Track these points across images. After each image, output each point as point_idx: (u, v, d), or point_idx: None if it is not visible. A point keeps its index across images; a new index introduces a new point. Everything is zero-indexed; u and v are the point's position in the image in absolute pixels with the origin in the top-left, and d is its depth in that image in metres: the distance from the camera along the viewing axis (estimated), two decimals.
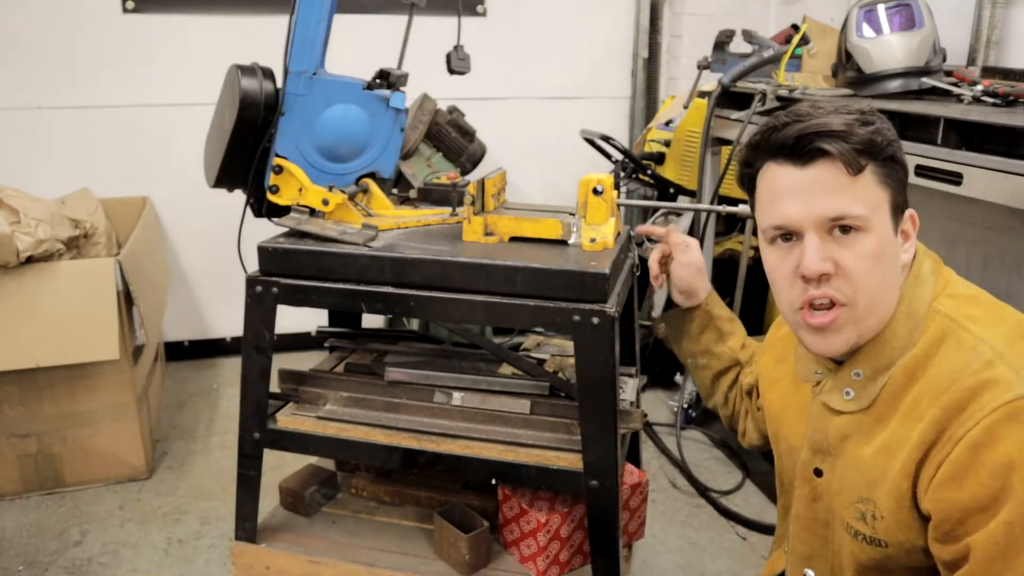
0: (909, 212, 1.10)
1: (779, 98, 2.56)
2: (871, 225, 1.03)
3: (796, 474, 1.24)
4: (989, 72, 2.49)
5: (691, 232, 2.92)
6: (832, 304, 1.06)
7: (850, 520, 1.14)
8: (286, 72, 1.73)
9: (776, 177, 1.07)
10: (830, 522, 1.20)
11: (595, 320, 1.51)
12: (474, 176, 1.90)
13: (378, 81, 1.80)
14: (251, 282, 1.69)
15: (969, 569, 0.98)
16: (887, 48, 2.29)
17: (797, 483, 1.24)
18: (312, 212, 1.77)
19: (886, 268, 1.06)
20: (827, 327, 1.07)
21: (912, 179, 1.97)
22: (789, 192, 1.06)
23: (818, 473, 1.19)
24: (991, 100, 2.08)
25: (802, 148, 1.03)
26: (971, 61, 2.62)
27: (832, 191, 1.03)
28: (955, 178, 1.85)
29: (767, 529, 2.39)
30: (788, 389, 1.30)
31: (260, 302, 1.69)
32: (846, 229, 1.03)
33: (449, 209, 1.87)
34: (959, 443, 0.98)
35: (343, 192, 1.77)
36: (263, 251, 1.68)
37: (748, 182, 1.13)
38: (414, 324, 3.00)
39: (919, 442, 1.02)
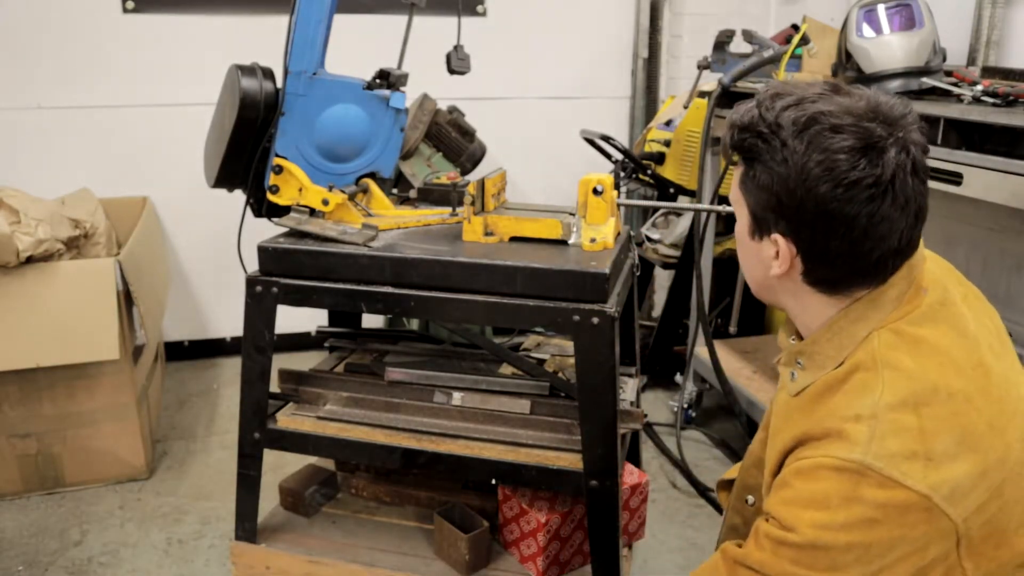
0: (777, 237, 1.05)
1: None
2: (737, 209, 1.13)
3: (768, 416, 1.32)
4: (989, 72, 2.49)
5: (691, 232, 2.92)
6: None
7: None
8: (286, 72, 1.73)
9: None
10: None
11: (595, 320, 1.51)
12: (474, 176, 1.90)
13: (378, 81, 1.80)
14: (251, 282, 1.69)
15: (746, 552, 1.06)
16: (887, 48, 2.28)
17: (762, 424, 1.33)
18: (312, 212, 1.77)
19: (745, 254, 1.15)
20: None
21: None
22: None
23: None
24: (991, 100, 2.08)
25: None
26: (971, 61, 2.61)
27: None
28: (955, 178, 1.85)
29: None
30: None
31: (260, 302, 1.69)
32: None
33: (449, 209, 1.87)
34: (793, 464, 1.03)
35: (343, 192, 1.77)
36: (263, 251, 1.68)
37: None
38: (414, 324, 3.00)
39: (782, 449, 1.08)
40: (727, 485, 1.46)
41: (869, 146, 0.98)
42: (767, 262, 1.10)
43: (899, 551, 0.97)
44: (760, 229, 1.09)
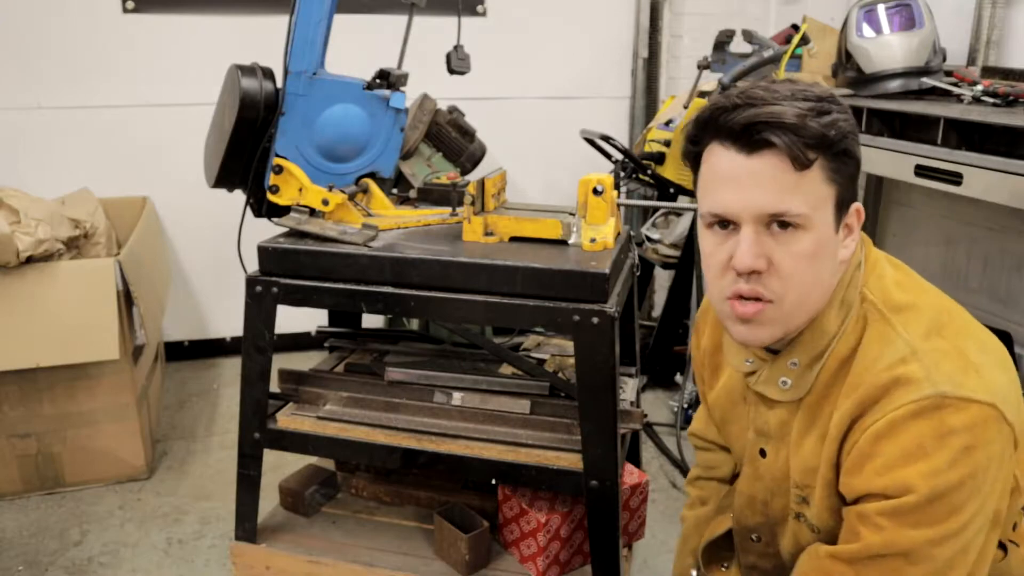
0: (855, 206, 1.06)
1: None
2: (811, 223, 1.01)
3: (744, 454, 1.26)
4: (989, 72, 2.49)
5: (691, 232, 2.92)
6: (759, 298, 1.05)
7: (792, 504, 1.17)
8: (286, 72, 1.74)
9: (720, 161, 1.03)
10: (769, 501, 1.22)
11: (595, 320, 1.51)
12: (474, 176, 1.90)
13: (378, 81, 1.80)
14: (251, 282, 1.69)
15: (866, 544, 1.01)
16: (887, 48, 2.29)
17: (745, 461, 1.26)
18: (312, 212, 1.77)
19: (821, 267, 1.04)
20: (752, 318, 1.05)
21: (912, 179, 1.98)
22: (731, 180, 1.02)
23: (763, 454, 1.21)
24: (991, 100, 2.08)
25: (749, 136, 0.99)
26: (971, 61, 2.61)
27: (775, 185, 0.99)
28: (955, 178, 1.85)
29: None
30: (729, 377, 1.30)
31: (260, 302, 1.69)
32: (784, 225, 1.01)
33: (449, 209, 1.87)
34: (865, 432, 1.01)
35: (343, 192, 1.77)
36: (263, 251, 1.68)
37: (693, 159, 1.10)
38: (414, 324, 3.00)
39: (836, 433, 1.05)
40: (709, 549, 1.38)
41: None
42: (838, 251, 1.06)
43: (992, 471, 0.98)
44: (842, 213, 1.05)
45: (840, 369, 1.07)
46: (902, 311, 1.05)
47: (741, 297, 1.05)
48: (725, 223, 1.04)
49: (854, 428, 1.03)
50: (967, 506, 0.97)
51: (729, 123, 1.01)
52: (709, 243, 1.08)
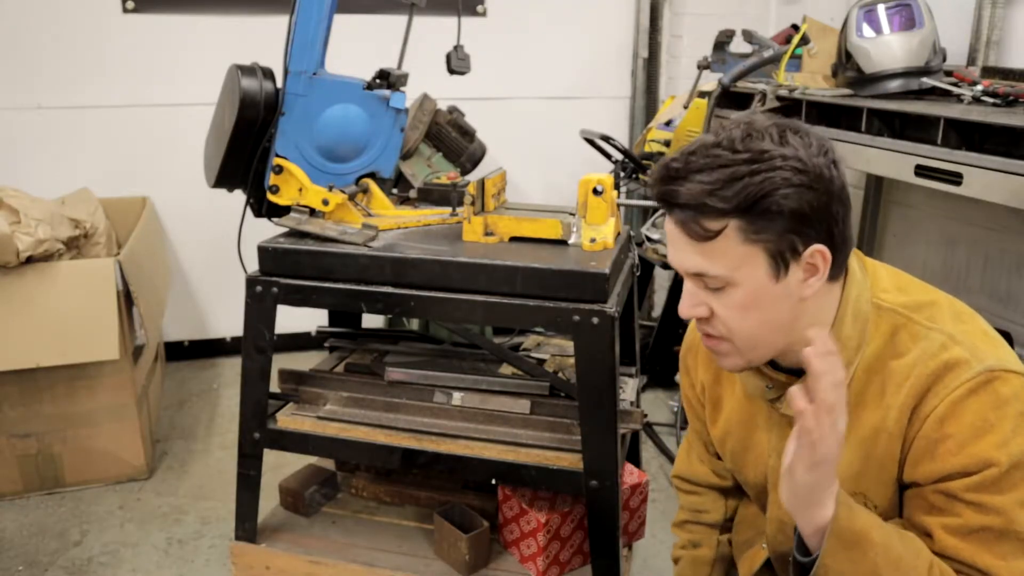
0: (815, 248, 1.02)
1: (779, 98, 2.56)
2: (734, 281, 1.03)
3: (761, 481, 1.27)
4: (989, 72, 2.49)
5: None
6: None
7: None
8: (286, 72, 1.74)
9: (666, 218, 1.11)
10: None
11: (595, 320, 1.51)
12: (474, 176, 1.90)
13: (378, 81, 1.80)
14: (251, 282, 1.69)
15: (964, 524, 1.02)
16: (887, 48, 2.29)
17: (770, 488, 1.25)
18: (312, 212, 1.77)
19: (762, 314, 1.05)
20: (714, 350, 1.13)
21: (912, 179, 1.98)
22: (669, 238, 1.10)
23: None
24: (991, 100, 2.08)
25: (666, 204, 1.06)
26: (971, 61, 2.61)
27: (689, 249, 1.04)
28: (955, 178, 1.85)
29: None
30: (740, 405, 1.29)
31: (260, 302, 1.69)
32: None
33: (449, 209, 1.87)
34: (927, 419, 1.04)
35: (343, 192, 1.77)
36: (263, 251, 1.68)
37: None
38: (414, 324, 3.00)
39: (896, 429, 1.07)
40: None
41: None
42: (797, 291, 1.04)
43: None
44: (784, 262, 1.02)
45: (870, 375, 1.09)
46: (922, 308, 1.10)
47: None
48: None
49: (913, 419, 1.06)
50: None
51: (653, 191, 1.08)
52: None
